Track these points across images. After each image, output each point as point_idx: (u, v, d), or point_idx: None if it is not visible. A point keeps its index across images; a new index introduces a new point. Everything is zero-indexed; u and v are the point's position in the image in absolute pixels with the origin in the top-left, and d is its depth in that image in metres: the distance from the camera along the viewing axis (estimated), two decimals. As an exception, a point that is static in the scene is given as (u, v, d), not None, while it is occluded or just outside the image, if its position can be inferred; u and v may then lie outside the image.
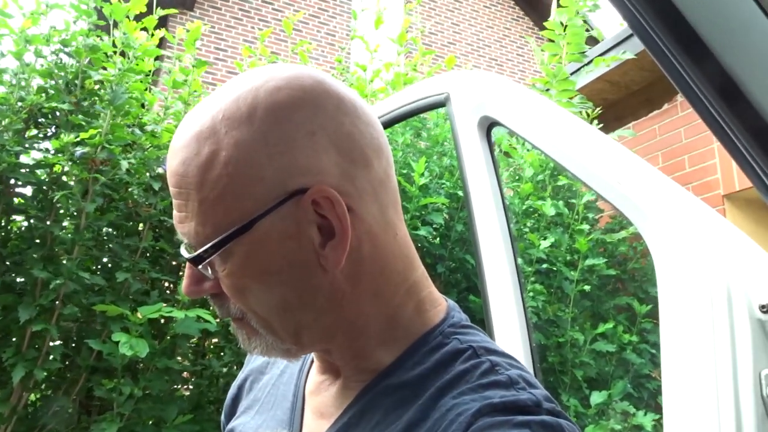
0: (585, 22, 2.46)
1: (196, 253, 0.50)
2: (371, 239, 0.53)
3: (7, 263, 2.09)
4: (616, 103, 3.76)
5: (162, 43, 2.87)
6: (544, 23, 2.51)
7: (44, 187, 2.15)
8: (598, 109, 2.80)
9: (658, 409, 2.36)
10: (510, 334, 1.05)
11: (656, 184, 0.87)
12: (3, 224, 2.17)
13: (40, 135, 2.24)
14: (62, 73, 2.17)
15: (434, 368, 0.53)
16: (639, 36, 0.50)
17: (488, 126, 1.18)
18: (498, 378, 0.50)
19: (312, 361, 0.65)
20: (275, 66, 0.54)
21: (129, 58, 2.28)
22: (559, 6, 2.40)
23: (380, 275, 0.54)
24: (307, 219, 0.50)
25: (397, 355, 0.55)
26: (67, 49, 2.18)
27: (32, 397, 2.17)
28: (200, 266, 0.51)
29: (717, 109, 0.47)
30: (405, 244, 0.57)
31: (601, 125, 2.78)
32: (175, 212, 0.52)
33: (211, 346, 2.52)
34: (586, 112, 2.72)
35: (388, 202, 0.55)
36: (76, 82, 2.18)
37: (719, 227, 0.80)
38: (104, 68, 2.23)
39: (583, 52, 2.50)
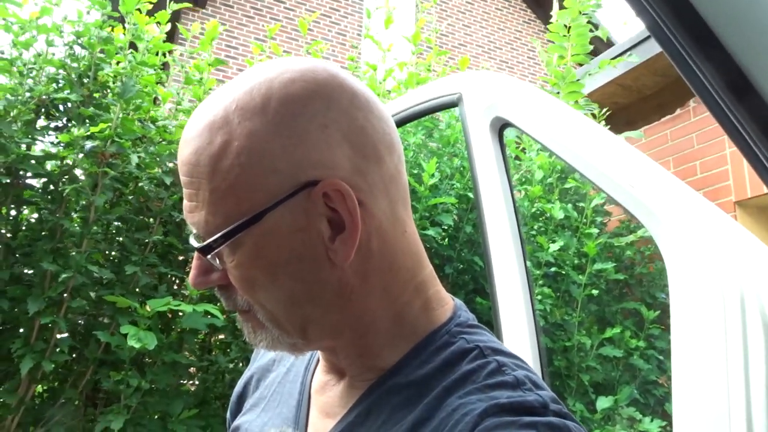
0: (590, 22, 2.45)
1: (205, 243, 0.50)
2: (380, 235, 0.53)
3: (17, 255, 2.10)
4: (628, 107, 3.74)
5: (174, 39, 2.87)
6: (548, 25, 2.50)
7: (54, 180, 2.16)
8: (605, 110, 2.79)
9: (664, 415, 2.35)
10: (518, 336, 1.04)
11: (670, 187, 0.86)
12: (12, 216, 2.18)
13: (51, 126, 2.25)
14: (75, 65, 2.18)
15: (441, 367, 0.53)
16: (656, 37, 0.50)
17: (500, 127, 1.17)
18: (505, 378, 0.50)
19: (318, 360, 0.65)
20: (289, 58, 0.54)
21: (140, 52, 2.29)
22: (561, 7, 2.39)
23: (388, 272, 0.54)
24: (317, 212, 0.49)
25: (404, 354, 0.55)
26: (80, 41, 2.19)
27: (39, 388, 2.19)
28: (209, 256, 0.51)
29: (732, 110, 0.47)
30: (413, 242, 0.57)
31: (612, 128, 2.77)
32: (185, 201, 0.52)
33: (218, 342, 2.53)
34: (593, 114, 2.71)
35: (398, 198, 0.55)
36: (89, 73, 2.18)
37: (733, 232, 0.79)
38: (117, 62, 2.24)
39: (591, 53, 2.49)
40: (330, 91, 0.51)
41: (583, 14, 2.39)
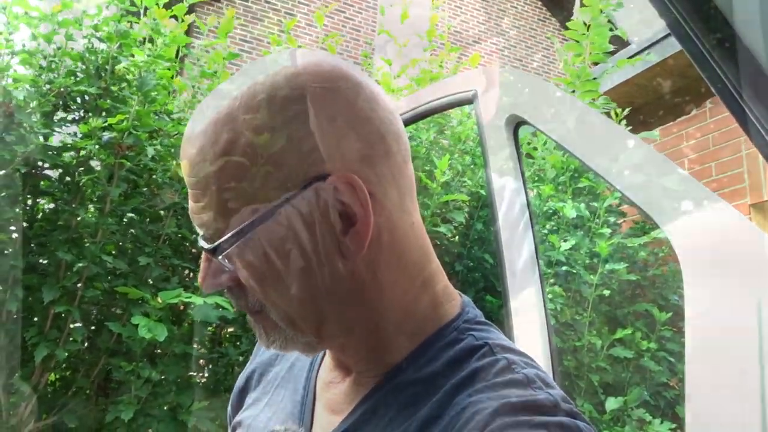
0: (609, 21, 2.42)
1: (215, 244, 0.49)
2: (390, 227, 0.52)
3: (33, 245, 2.12)
4: (644, 107, 3.70)
5: (189, 32, 2.88)
6: (567, 23, 2.48)
7: (71, 171, 2.18)
8: (628, 110, 2.76)
9: (675, 418, 2.33)
10: (530, 335, 1.04)
11: (686, 188, 0.85)
12: (29, 206, 2.20)
13: (69, 118, 2.27)
14: (93, 58, 2.20)
15: (449, 365, 0.52)
16: (676, 35, 0.49)
17: (515, 125, 1.16)
18: (515, 376, 0.49)
19: (323, 356, 0.64)
20: (293, 51, 0.54)
21: (157, 45, 2.30)
22: (582, 5, 2.37)
23: (397, 265, 0.53)
24: (328, 205, 0.48)
25: (411, 350, 0.54)
26: (98, 34, 2.20)
27: (52, 377, 2.21)
28: (219, 257, 0.49)
29: (752, 109, 0.46)
30: (420, 234, 0.56)
31: (629, 129, 2.75)
32: (191, 203, 0.51)
33: (228, 335, 2.54)
34: (615, 112, 2.68)
35: (405, 189, 0.54)
36: (107, 67, 2.20)
37: (749, 233, 0.78)
38: (133, 55, 2.25)
39: (608, 52, 2.46)
40: (335, 83, 0.50)
41: (603, 13, 2.37)
